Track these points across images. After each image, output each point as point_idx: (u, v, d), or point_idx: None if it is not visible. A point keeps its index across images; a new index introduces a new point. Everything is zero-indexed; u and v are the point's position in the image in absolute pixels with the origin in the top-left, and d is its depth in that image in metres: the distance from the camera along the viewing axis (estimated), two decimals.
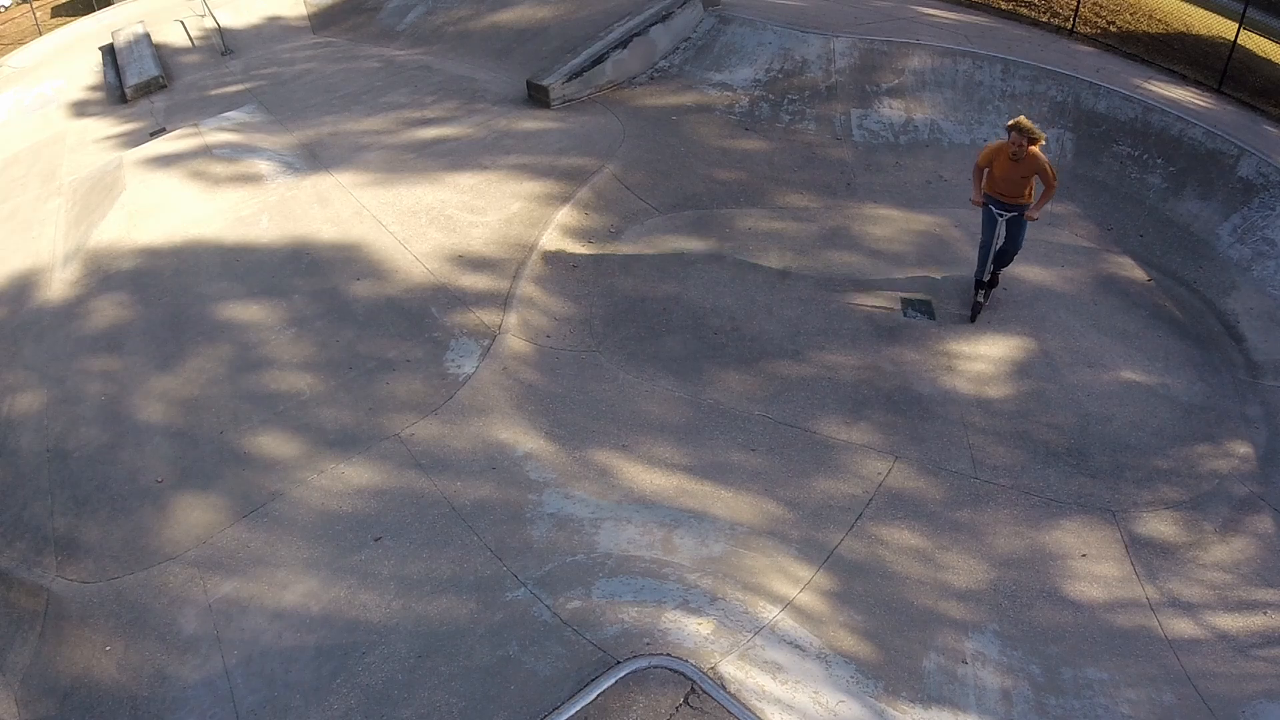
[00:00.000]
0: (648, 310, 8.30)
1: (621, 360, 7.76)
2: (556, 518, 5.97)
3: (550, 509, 6.06)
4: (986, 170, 8.17)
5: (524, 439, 6.73)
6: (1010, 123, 7.87)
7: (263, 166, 10.34)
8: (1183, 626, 5.88)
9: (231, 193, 9.87)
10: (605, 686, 4.55)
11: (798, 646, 5.12)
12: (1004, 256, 8.39)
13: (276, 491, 6.39)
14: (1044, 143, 7.93)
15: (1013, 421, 7.31)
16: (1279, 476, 7.01)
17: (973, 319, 8.35)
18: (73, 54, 15.46)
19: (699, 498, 6.33)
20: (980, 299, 8.47)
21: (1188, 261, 9.39)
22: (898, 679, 5.17)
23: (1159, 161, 10.26)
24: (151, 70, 13.89)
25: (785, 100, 11.36)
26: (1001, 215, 8.07)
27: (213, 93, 13.17)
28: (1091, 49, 12.87)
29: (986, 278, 8.39)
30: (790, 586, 5.61)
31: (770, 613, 5.30)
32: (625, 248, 9.10)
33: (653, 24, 12.14)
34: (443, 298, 8.13)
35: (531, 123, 11.01)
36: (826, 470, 6.77)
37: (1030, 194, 8.12)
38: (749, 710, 4.42)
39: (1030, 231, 9.62)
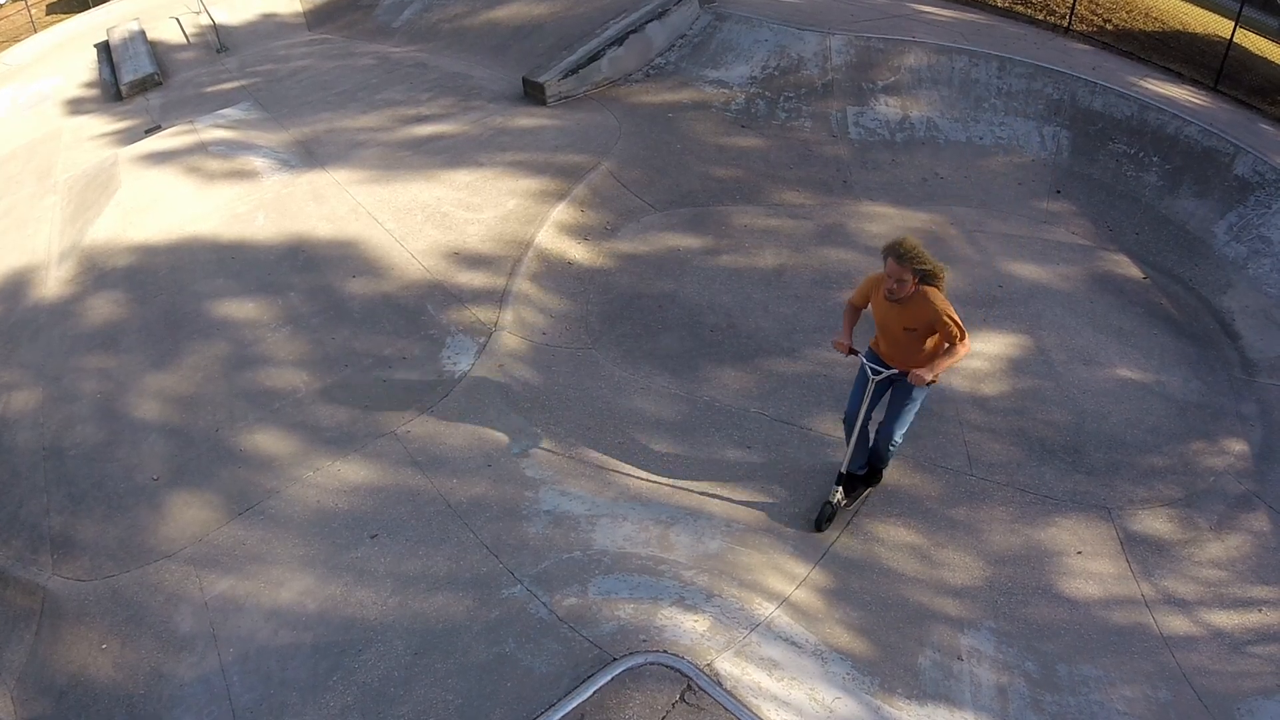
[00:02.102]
0: (644, 307, 8.29)
1: (618, 357, 7.76)
2: (553, 515, 5.97)
3: (546, 506, 6.06)
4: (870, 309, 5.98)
5: (520, 436, 6.73)
6: (887, 244, 5.49)
7: (258, 163, 10.32)
8: (1178, 624, 5.89)
9: (227, 190, 9.86)
10: (602, 683, 4.55)
11: (794, 643, 5.13)
12: (878, 443, 6.25)
13: (272, 489, 6.38)
14: (944, 281, 5.59)
15: (1008, 419, 7.31)
16: (1274, 474, 7.03)
17: (818, 527, 6.13)
18: (68, 51, 15.43)
19: (695, 495, 6.33)
20: (836, 499, 6.19)
21: (1184, 259, 9.40)
22: (894, 675, 5.18)
23: (1155, 159, 10.27)
24: (147, 67, 13.87)
25: (781, 98, 11.36)
26: (875, 374, 5.86)
27: (208, 90, 13.14)
28: (1088, 47, 12.88)
29: (847, 469, 6.19)
30: (786, 583, 5.62)
31: (766, 609, 5.30)
32: (621, 245, 9.10)
33: (649, 21, 12.13)
34: (439, 295, 8.12)
35: (527, 120, 11.00)
36: (822, 467, 6.77)
37: (929, 356, 5.78)
38: (745, 707, 4.42)
39: (1026, 229, 9.69)
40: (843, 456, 6.24)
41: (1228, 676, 5.55)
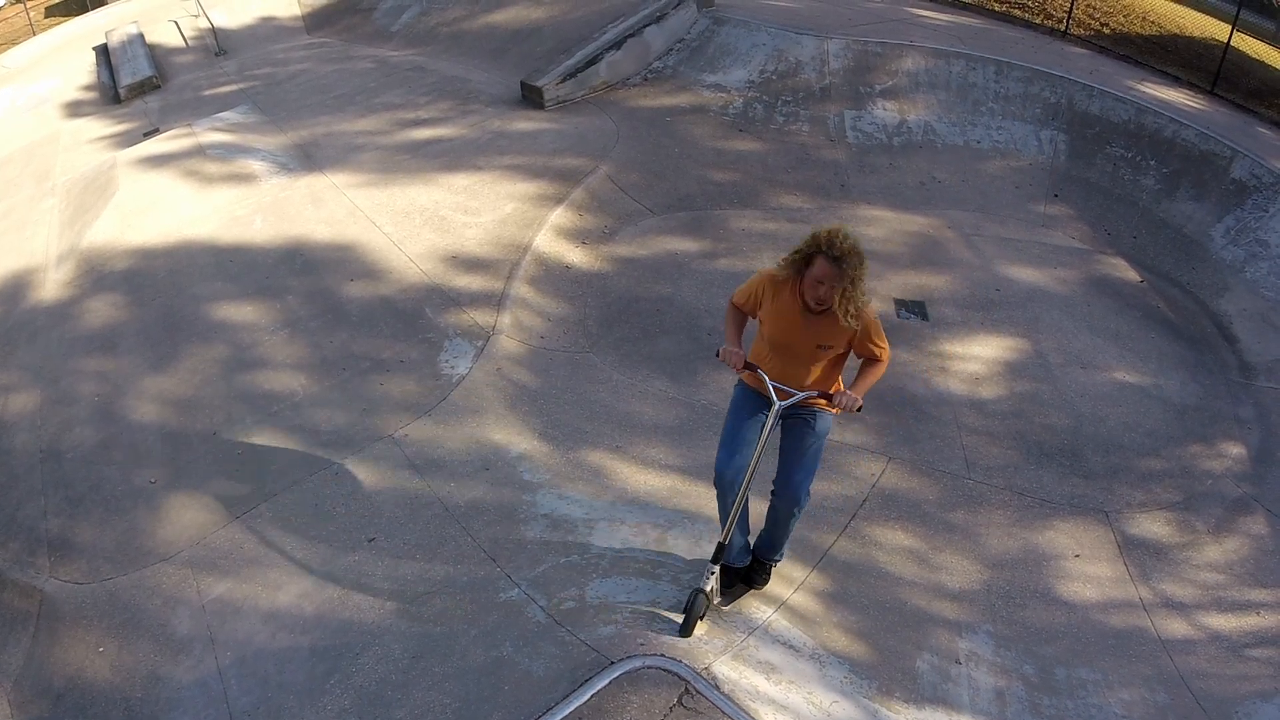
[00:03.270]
0: (642, 311, 8.29)
1: (615, 361, 7.75)
2: (550, 518, 5.96)
3: (544, 510, 6.05)
4: (758, 319, 4.71)
5: (518, 440, 6.72)
6: (819, 233, 4.26)
7: (256, 167, 10.32)
8: (1176, 626, 5.89)
9: (225, 193, 9.85)
10: (599, 687, 4.54)
11: (791, 647, 5.12)
12: (778, 509, 4.88)
13: (270, 492, 6.38)
14: (872, 307, 4.49)
15: (1006, 422, 7.32)
16: (1272, 477, 7.04)
17: (684, 630, 4.73)
18: (67, 54, 15.42)
19: (693, 498, 6.32)
20: (711, 588, 4.81)
21: (1181, 263, 9.41)
22: (892, 679, 5.18)
23: (1152, 163, 10.29)
24: (145, 70, 13.87)
25: (779, 101, 11.37)
26: (784, 396, 4.54)
27: (207, 93, 13.14)
28: (1085, 50, 12.91)
29: (727, 538, 4.72)
30: (784, 587, 5.61)
31: (764, 613, 5.30)
32: (619, 249, 9.10)
33: (647, 25, 12.15)
34: (437, 298, 8.12)
35: (525, 123, 11.00)
36: (820, 471, 6.73)
37: (835, 384, 4.69)
38: (743, 710, 4.42)
39: (1024, 232, 9.71)
40: (722, 526, 4.79)
41: (1226, 679, 5.56)
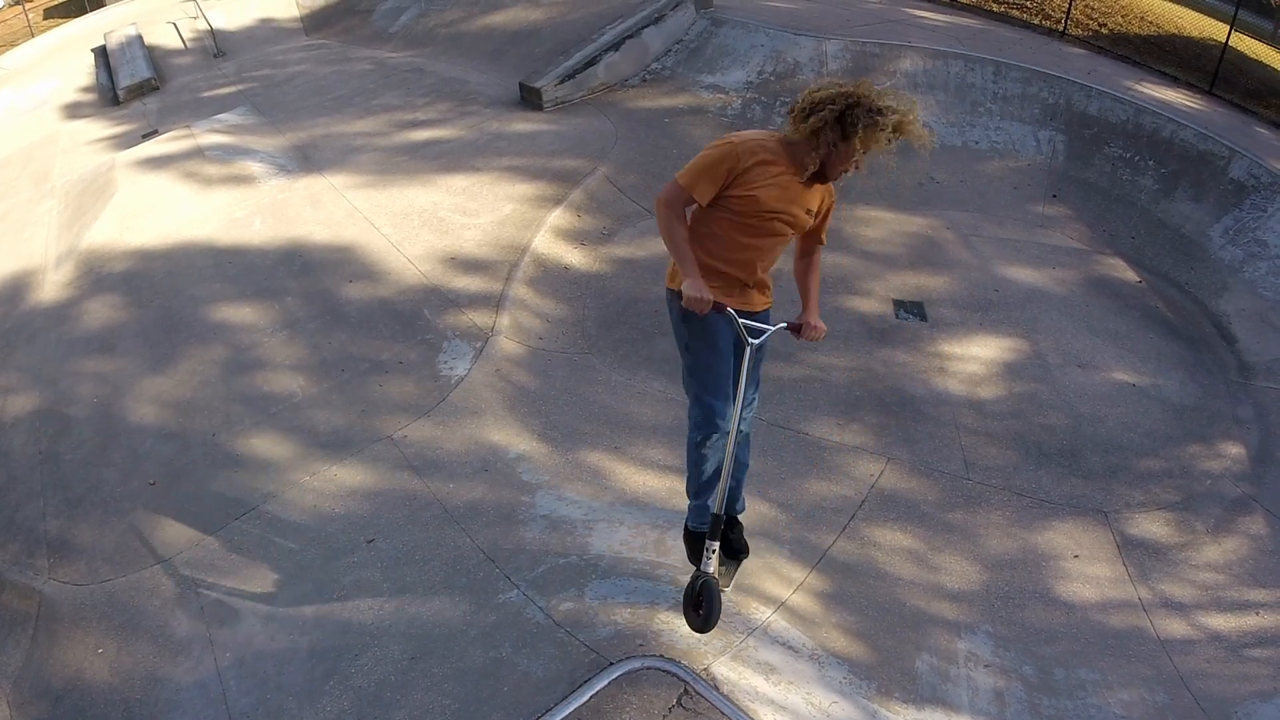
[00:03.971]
0: (640, 312, 8.29)
1: (614, 362, 7.75)
2: (549, 519, 5.96)
3: (543, 510, 6.05)
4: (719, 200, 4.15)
5: (516, 441, 6.72)
6: (897, 109, 3.92)
7: (255, 168, 10.32)
8: (1175, 627, 5.89)
9: (224, 194, 9.86)
10: (599, 688, 4.54)
11: (790, 647, 5.12)
12: (741, 457, 4.64)
13: (269, 494, 6.37)
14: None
15: (1005, 423, 7.32)
16: (1271, 477, 7.04)
17: (707, 623, 4.38)
18: (65, 55, 15.44)
19: None
20: (713, 568, 4.38)
21: (1179, 263, 9.42)
22: (891, 680, 5.18)
23: (1150, 163, 10.30)
24: (144, 72, 13.89)
25: (778, 103, 11.38)
26: (756, 338, 4.26)
27: (205, 94, 13.16)
28: (1083, 51, 12.92)
29: (721, 506, 4.32)
30: (783, 588, 5.61)
31: (763, 614, 5.30)
32: (618, 250, 9.10)
33: (645, 26, 12.16)
34: (435, 300, 8.12)
35: (524, 125, 11.01)
36: (819, 472, 6.77)
37: (769, 265, 4.43)
38: (742, 711, 4.42)
39: (1022, 232, 9.72)
40: (693, 489, 4.59)
41: (1225, 679, 5.56)
